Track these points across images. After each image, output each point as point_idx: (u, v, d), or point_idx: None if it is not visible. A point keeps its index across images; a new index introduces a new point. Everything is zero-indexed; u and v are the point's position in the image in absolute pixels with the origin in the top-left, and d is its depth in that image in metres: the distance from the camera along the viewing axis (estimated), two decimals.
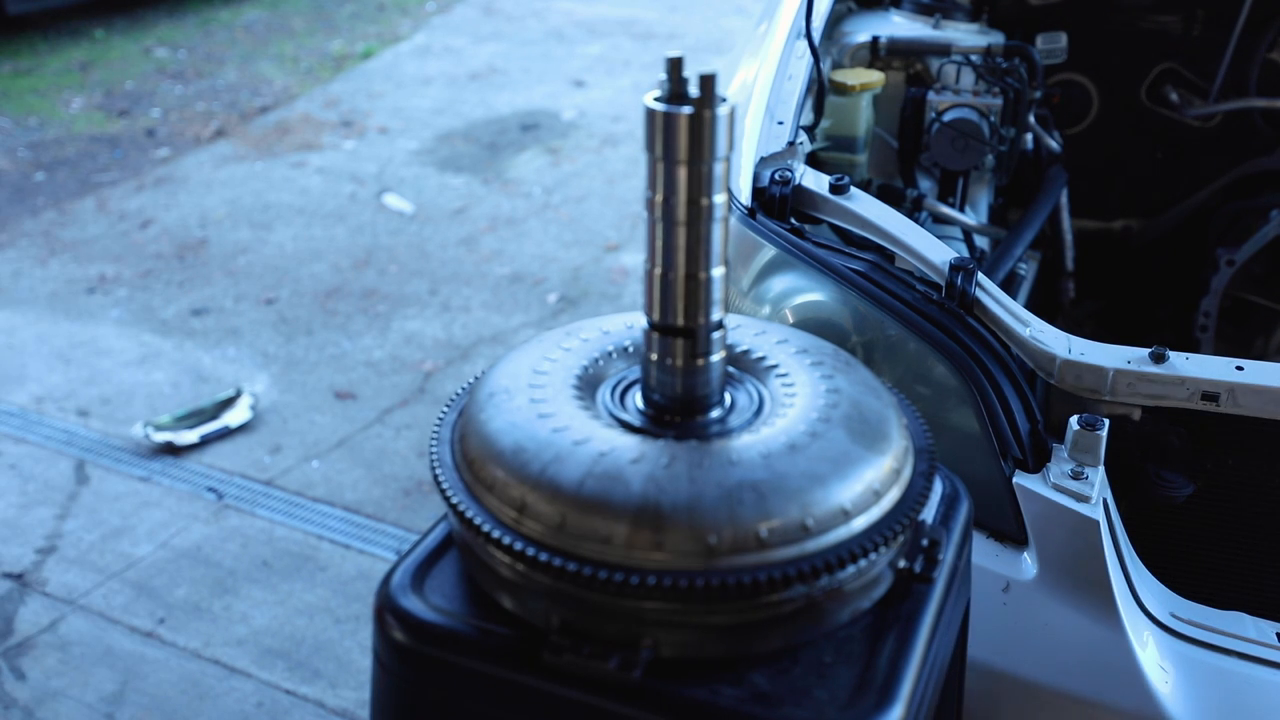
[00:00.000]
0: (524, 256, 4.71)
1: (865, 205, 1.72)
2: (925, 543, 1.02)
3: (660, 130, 0.92)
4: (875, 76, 2.24)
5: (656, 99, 0.92)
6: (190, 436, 3.49)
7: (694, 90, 0.91)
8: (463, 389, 1.12)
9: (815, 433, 0.97)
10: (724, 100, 0.92)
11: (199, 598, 2.86)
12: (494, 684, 0.93)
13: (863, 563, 0.92)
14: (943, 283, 1.60)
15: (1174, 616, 1.48)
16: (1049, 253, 2.77)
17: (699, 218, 0.94)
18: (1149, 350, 1.51)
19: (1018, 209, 2.70)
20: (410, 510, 3.18)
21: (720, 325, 1.00)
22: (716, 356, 1.00)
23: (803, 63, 2.07)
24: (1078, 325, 2.89)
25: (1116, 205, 3.06)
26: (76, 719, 2.49)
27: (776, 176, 1.75)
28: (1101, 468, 1.47)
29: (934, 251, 1.63)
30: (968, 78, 2.40)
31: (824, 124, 2.17)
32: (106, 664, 2.64)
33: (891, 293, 1.57)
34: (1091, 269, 2.91)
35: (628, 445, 0.94)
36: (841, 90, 2.18)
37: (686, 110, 0.91)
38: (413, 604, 0.98)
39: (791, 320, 1.62)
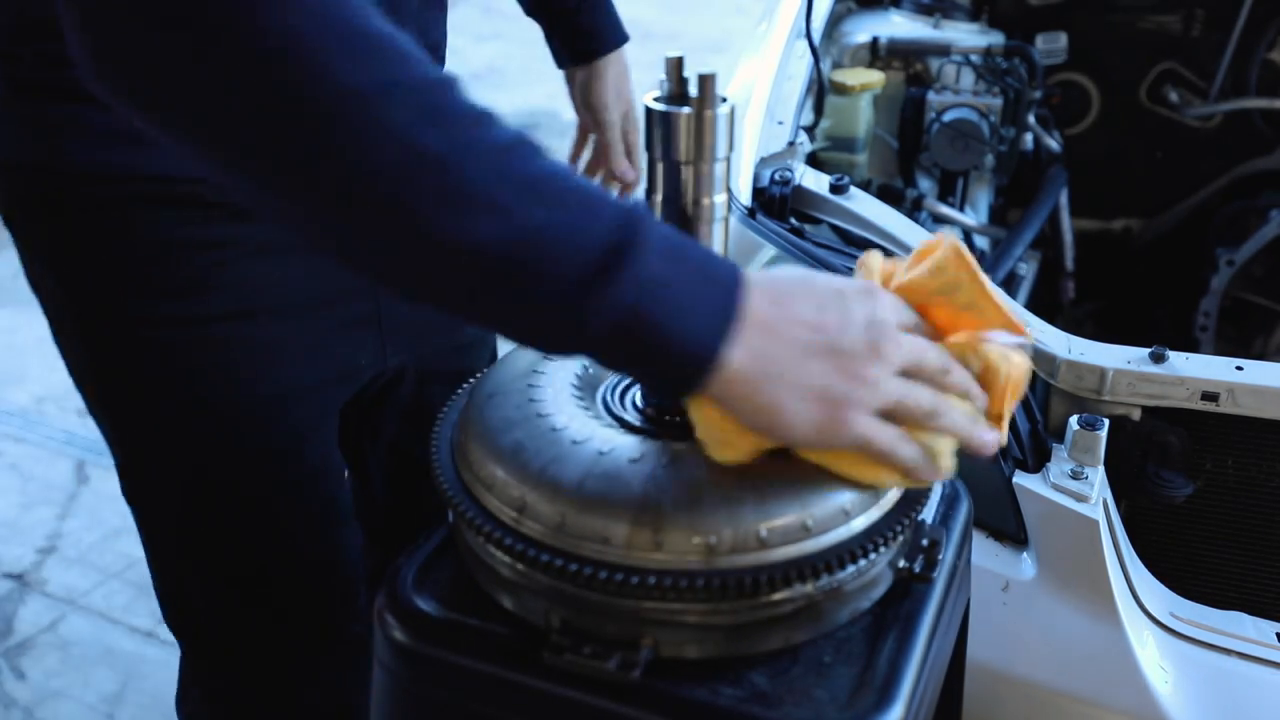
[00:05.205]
0: None
1: (865, 205, 1.72)
2: (925, 543, 1.02)
3: (660, 130, 0.92)
4: (875, 76, 2.24)
5: (656, 99, 0.92)
6: None
7: (694, 90, 0.91)
8: (463, 389, 1.12)
9: None
10: (724, 100, 0.92)
11: None
12: (494, 684, 0.93)
13: (863, 563, 0.92)
14: None
15: (1174, 616, 1.48)
16: (1049, 253, 2.77)
17: (699, 218, 0.94)
18: (1149, 350, 1.51)
19: (1018, 209, 2.70)
20: None
21: None
22: None
23: (803, 63, 2.08)
24: (1078, 325, 2.89)
25: (1116, 205, 3.06)
26: (76, 719, 2.49)
27: (776, 176, 1.75)
28: (1101, 468, 1.47)
29: None
30: (968, 78, 2.40)
31: (824, 124, 2.17)
32: (107, 664, 2.64)
33: None
34: (1091, 269, 2.92)
35: (628, 445, 0.94)
36: (841, 90, 2.19)
37: (686, 110, 0.91)
38: (413, 604, 0.98)
39: None
